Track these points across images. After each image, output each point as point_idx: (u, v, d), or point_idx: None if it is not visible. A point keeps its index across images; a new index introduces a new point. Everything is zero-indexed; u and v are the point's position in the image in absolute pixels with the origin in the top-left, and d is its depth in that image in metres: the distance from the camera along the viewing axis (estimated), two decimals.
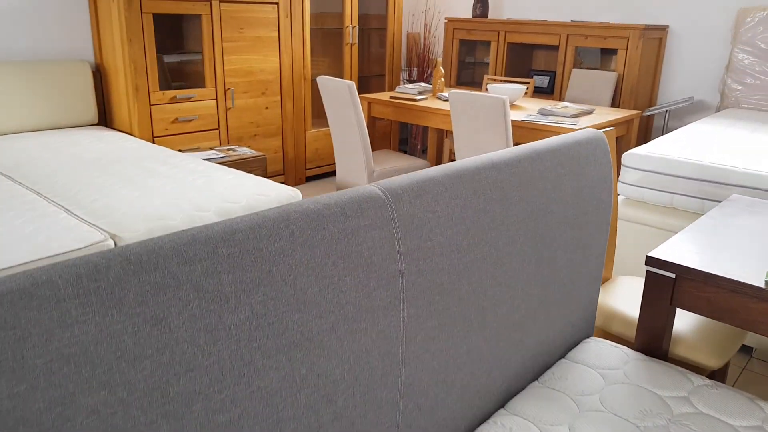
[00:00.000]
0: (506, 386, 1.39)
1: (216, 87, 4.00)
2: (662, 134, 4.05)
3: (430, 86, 4.12)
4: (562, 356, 1.60)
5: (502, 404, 1.40)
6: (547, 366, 1.54)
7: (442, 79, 3.98)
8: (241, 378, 0.82)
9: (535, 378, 1.50)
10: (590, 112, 3.44)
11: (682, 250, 1.54)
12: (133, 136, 3.66)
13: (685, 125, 4.19)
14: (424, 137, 5.60)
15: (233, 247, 0.80)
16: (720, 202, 2.39)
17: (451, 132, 4.85)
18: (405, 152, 5.64)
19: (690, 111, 4.13)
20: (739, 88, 3.69)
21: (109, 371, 0.69)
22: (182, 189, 2.56)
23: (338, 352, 0.94)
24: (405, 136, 5.70)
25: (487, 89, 4.34)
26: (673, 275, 1.51)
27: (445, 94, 3.89)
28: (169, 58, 4.15)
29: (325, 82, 3.46)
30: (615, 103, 4.08)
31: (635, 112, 3.54)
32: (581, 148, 1.46)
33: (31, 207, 2.28)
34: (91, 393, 0.68)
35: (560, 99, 4.39)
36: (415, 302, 1.05)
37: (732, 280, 1.40)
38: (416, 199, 1.04)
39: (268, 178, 4.40)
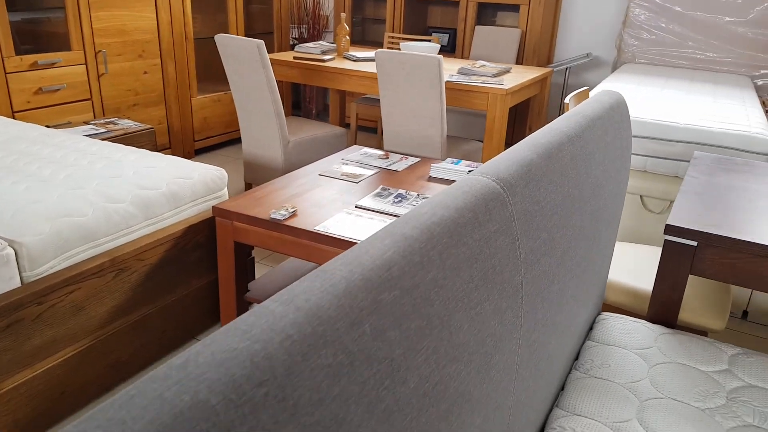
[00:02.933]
0: (556, 382, 1.25)
1: (84, 49, 3.39)
2: (564, 92, 4.10)
3: (333, 45, 3.82)
4: (585, 337, 1.49)
5: (552, 401, 1.26)
6: (574, 350, 1.42)
7: (347, 38, 3.69)
8: None
9: (570, 366, 1.38)
10: (508, 71, 3.36)
11: (696, 215, 1.47)
12: None
13: (587, 82, 4.29)
14: (318, 100, 5.28)
15: (393, 289, 0.54)
16: (661, 159, 2.43)
17: (357, 95, 4.60)
18: (299, 116, 5.29)
19: (587, 67, 4.23)
20: (636, 43, 3.81)
21: None
22: (82, 176, 2.10)
23: (480, 401, 0.72)
24: (296, 99, 5.33)
25: (398, 47, 4.12)
26: (695, 243, 1.44)
27: (355, 53, 3.62)
28: (14, 17, 3.44)
29: (225, 41, 3.04)
30: (519, 60, 4.06)
31: (547, 69, 3.53)
32: (613, 112, 1.32)
33: None
34: None
35: (463, 57, 4.29)
36: (528, 316, 0.85)
37: (760, 245, 1.35)
38: (525, 188, 0.83)
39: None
